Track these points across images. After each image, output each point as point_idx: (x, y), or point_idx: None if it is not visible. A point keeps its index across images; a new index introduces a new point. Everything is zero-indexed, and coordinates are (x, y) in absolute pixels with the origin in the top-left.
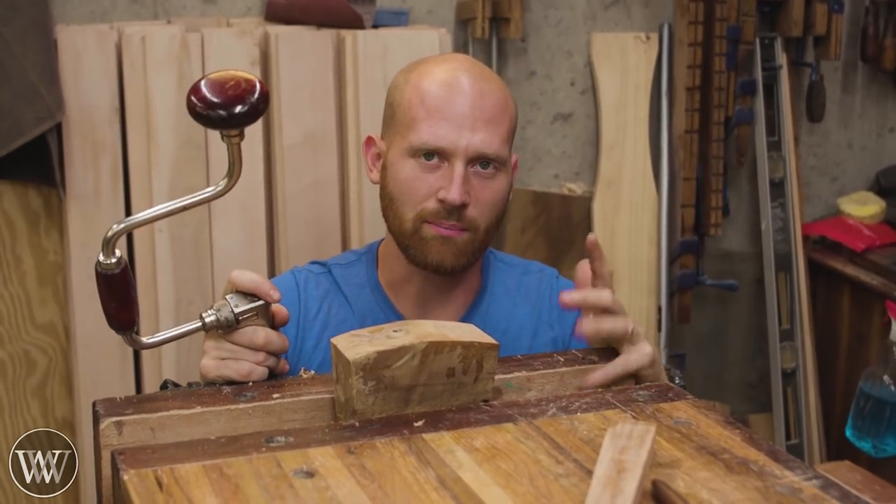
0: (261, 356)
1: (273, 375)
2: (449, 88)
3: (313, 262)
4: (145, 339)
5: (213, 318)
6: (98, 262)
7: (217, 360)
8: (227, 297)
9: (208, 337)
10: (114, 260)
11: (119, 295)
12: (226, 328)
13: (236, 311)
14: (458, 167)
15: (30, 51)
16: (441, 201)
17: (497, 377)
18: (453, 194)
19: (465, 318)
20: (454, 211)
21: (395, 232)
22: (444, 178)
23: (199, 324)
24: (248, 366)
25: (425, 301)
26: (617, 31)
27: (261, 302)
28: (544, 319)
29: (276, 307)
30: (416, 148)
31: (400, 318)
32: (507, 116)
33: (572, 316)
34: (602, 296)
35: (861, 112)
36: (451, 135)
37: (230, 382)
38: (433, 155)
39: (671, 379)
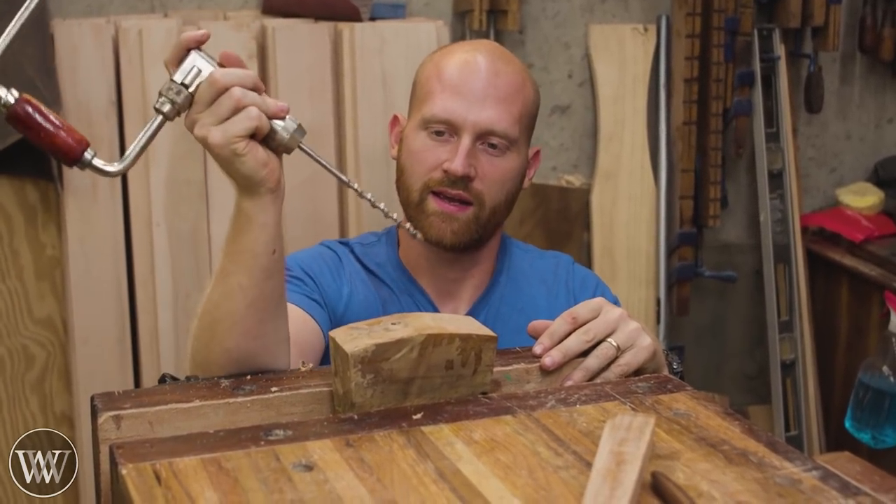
0: (237, 93)
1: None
2: (465, 66)
3: (336, 241)
4: (109, 168)
5: (167, 103)
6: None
7: (215, 127)
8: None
9: (187, 124)
10: (4, 99)
11: (41, 126)
12: (186, 101)
13: (179, 79)
14: (465, 140)
15: (26, 45)
16: (446, 172)
17: (496, 369)
18: (456, 164)
19: (484, 296)
20: (458, 181)
21: (404, 204)
22: (451, 151)
23: (160, 117)
24: (251, 111)
25: (444, 279)
26: (615, 23)
27: (192, 54)
28: (560, 301)
29: (220, 55)
30: (427, 119)
31: (423, 294)
32: (521, 98)
33: (588, 298)
34: (559, 328)
35: (859, 103)
36: (461, 109)
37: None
38: (444, 129)
39: (669, 364)
